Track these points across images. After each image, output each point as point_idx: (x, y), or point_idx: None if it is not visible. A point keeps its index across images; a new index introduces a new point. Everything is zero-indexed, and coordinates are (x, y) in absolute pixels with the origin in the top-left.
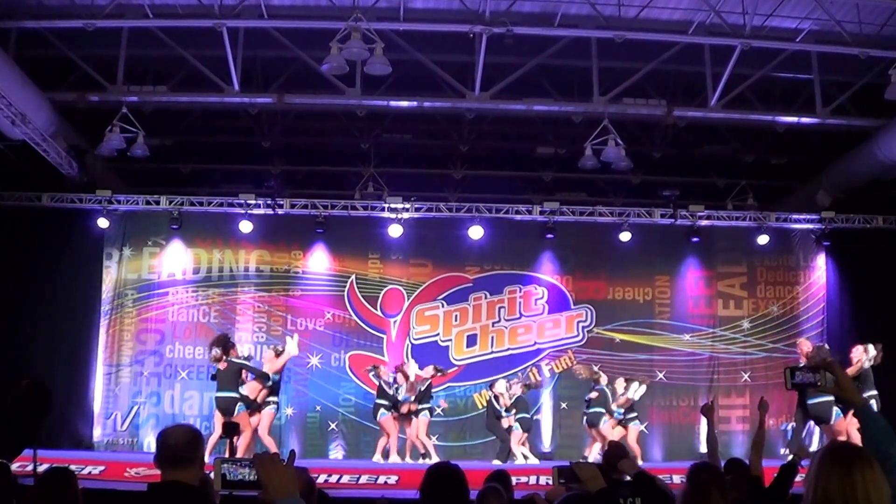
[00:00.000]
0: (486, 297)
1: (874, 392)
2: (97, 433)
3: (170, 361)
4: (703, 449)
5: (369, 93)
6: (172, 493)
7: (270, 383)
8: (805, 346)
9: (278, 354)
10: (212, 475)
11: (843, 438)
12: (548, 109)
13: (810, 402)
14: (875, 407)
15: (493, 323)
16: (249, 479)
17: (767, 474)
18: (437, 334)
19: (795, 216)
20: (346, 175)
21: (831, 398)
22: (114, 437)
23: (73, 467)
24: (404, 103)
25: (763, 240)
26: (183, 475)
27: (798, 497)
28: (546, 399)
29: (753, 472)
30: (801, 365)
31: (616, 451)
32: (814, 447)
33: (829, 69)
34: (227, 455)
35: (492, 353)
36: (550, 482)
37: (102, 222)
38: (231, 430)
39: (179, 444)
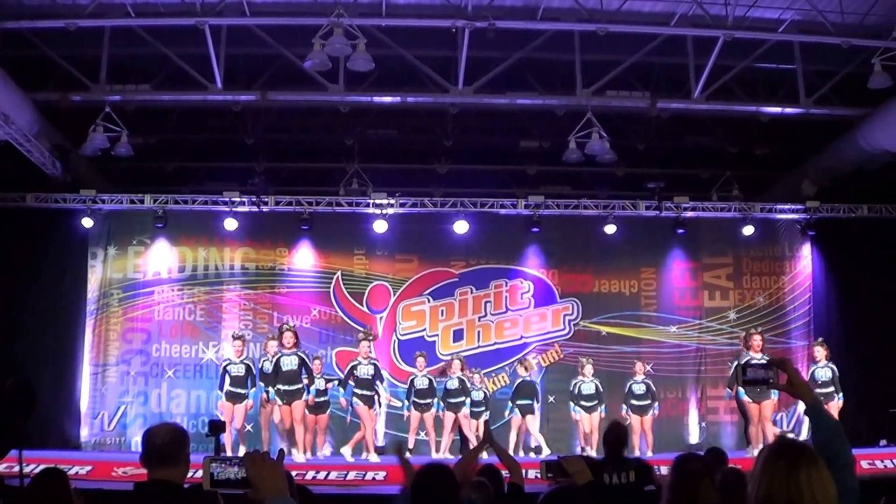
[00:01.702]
0: (472, 292)
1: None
2: (84, 433)
3: (156, 360)
4: (692, 440)
5: (352, 89)
6: (159, 492)
7: None
8: (755, 340)
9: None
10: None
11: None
12: (531, 103)
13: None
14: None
15: (480, 317)
16: (238, 478)
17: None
18: (424, 329)
19: (780, 206)
20: (330, 171)
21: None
22: (101, 436)
23: (60, 467)
24: (387, 99)
25: (748, 230)
26: (169, 474)
27: None
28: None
29: None
30: (753, 362)
31: (618, 432)
32: (803, 435)
33: (811, 59)
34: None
35: (478, 347)
36: (538, 476)
37: (87, 222)
38: (217, 428)
39: (165, 443)
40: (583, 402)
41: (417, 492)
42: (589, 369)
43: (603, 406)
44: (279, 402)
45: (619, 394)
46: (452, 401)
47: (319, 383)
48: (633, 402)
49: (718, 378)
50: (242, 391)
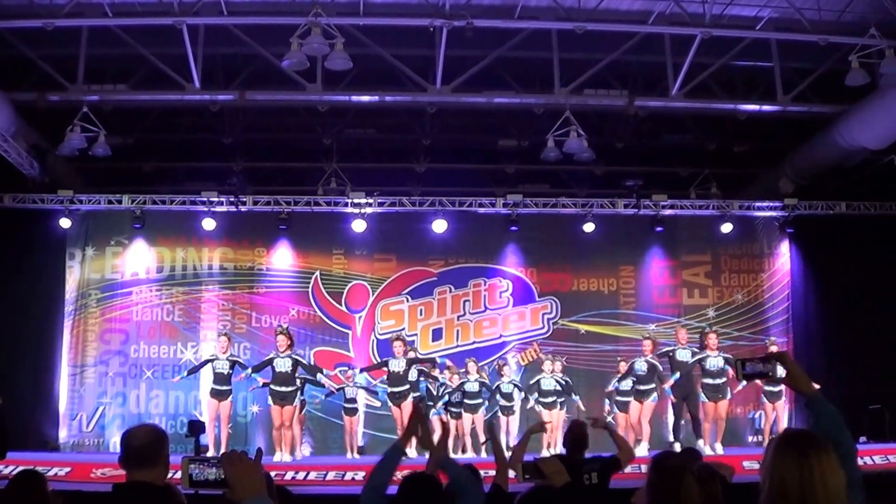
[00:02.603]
0: (450, 291)
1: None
2: (63, 434)
3: (135, 361)
4: (672, 437)
5: (330, 88)
6: (137, 493)
7: None
8: (711, 338)
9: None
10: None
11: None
12: (509, 102)
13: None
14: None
15: (459, 316)
16: (216, 479)
17: (736, 461)
18: (403, 329)
19: (759, 204)
20: (308, 171)
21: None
22: (80, 437)
23: (39, 469)
24: (366, 98)
25: (727, 228)
26: (148, 475)
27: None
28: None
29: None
30: (753, 356)
31: (577, 433)
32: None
33: (789, 56)
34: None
35: (457, 346)
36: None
37: (65, 222)
38: (196, 428)
39: (144, 444)
40: (541, 399)
41: (402, 500)
42: (553, 366)
43: (564, 403)
44: (271, 402)
45: (598, 391)
46: (470, 402)
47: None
48: (619, 397)
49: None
50: (226, 388)
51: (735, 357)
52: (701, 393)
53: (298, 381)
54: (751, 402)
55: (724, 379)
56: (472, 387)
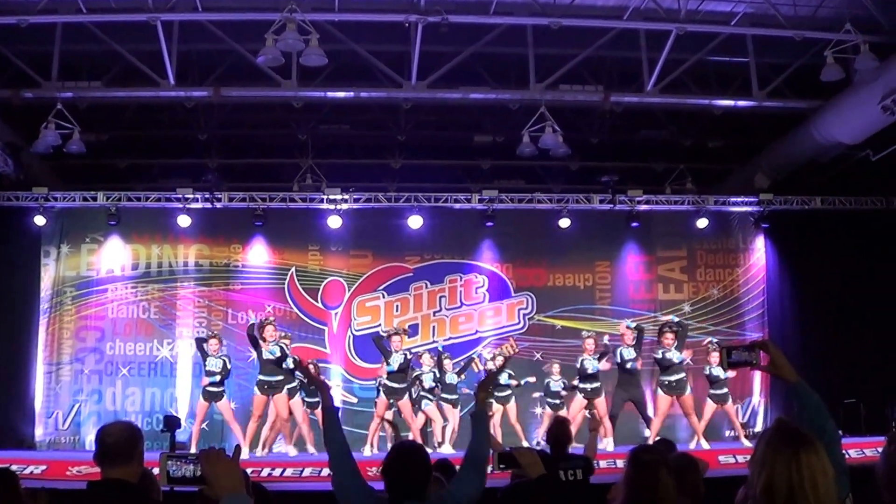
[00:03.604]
0: (426, 287)
1: None
2: (39, 432)
3: (110, 358)
4: (647, 433)
5: (305, 84)
6: (112, 490)
7: None
8: (667, 337)
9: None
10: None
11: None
12: (485, 97)
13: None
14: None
15: (434, 312)
16: (194, 476)
17: (712, 456)
18: (379, 325)
19: (734, 199)
20: (283, 167)
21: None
22: (56, 436)
23: (14, 467)
24: (341, 94)
25: (702, 223)
26: (122, 472)
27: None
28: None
29: None
30: (738, 344)
31: (560, 429)
32: (758, 427)
33: (764, 52)
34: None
35: (433, 342)
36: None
37: (39, 220)
38: (172, 424)
39: (118, 441)
40: (549, 399)
41: (390, 469)
42: (558, 369)
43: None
44: (257, 391)
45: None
46: (500, 395)
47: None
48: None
49: None
50: (220, 389)
51: (723, 345)
52: (659, 389)
53: (287, 371)
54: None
55: (683, 374)
56: (451, 378)
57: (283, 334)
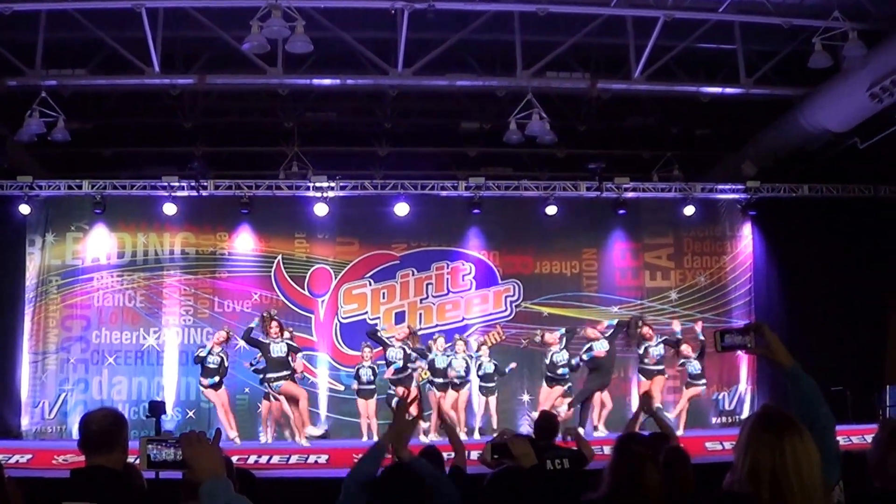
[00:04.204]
0: (413, 274)
1: None
2: (25, 422)
3: (96, 347)
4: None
5: (291, 71)
6: (95, 478)
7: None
8: (645, 330)
9: None
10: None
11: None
12: (471, 84)
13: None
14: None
15: (421, 300)
16: (175, 460)
17: (699, 443)
18: (366, 312)
19: (721, 186)
20: (269, 155)
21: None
22: (42, 425)
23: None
24: (327, 81)
25: (689, 211)
26: (106, 460)
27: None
28: (475, 375)
29: None
30: (732, 327)
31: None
32: (744, 415)
33: (752, 39)
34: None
35: (420, 329)
36: (482, 456)
37: (24, 209)
38: (157, 409)
39: (102, 428)
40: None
41: (384, 487)
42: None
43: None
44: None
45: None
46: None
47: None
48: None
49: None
50: (217, 379)
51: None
52: (638, 374)
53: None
54: (713, 384)
55: (663, 366)
56: (441, 362)
57: (288, 330)
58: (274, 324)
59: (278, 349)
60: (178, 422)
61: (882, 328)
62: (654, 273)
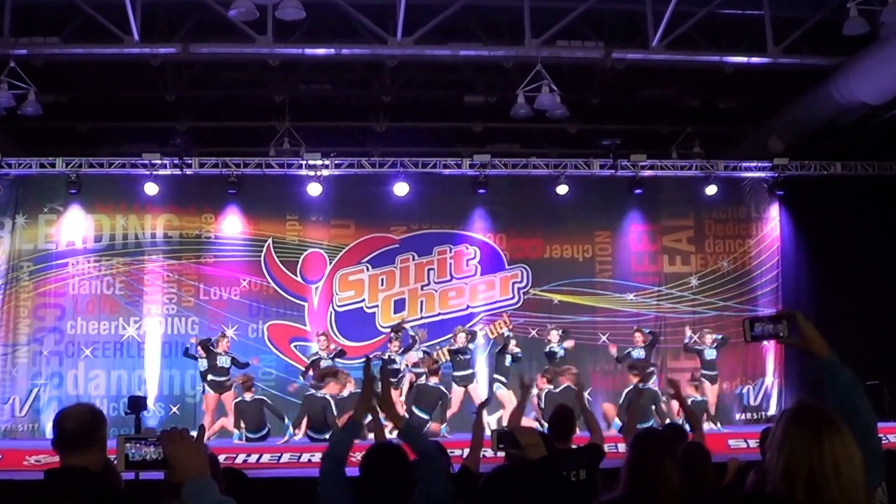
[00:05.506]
0: (413, 259)
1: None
2: None
3: (72, 338)
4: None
5: (282, 40)
6: (71, 479)
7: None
8: (637, 336)
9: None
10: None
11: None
12: (476, 54)
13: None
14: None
15: (423, 286)
16: (155, 459)
17: (721, 440)
18: (363, 300)
19: (746, 164)
20: (259, 130)
21: None
22: (12, 423)
23: None
24: (320, 51)
25: (711, 190)
26: (83, 459)
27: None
28: (481, 365)
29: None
30: (762, 315)
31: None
32: (771, 411)
33: (780, 4)
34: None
35: (421, 318)
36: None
37: None
38: (137, 405)
39: (78, 425)
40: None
41: (368, 471)
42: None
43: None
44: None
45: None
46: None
47: (223, 360)
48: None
49: (679, 349)
50: (224, 378)
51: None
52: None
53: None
54: (738, 377)
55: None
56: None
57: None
58: (224, 340)
59: (223, 361)
60: (160, 418)
61: None
62: (672, 258)
